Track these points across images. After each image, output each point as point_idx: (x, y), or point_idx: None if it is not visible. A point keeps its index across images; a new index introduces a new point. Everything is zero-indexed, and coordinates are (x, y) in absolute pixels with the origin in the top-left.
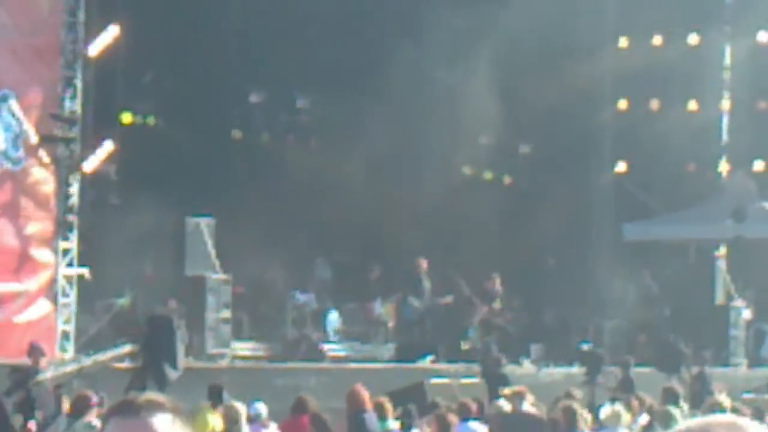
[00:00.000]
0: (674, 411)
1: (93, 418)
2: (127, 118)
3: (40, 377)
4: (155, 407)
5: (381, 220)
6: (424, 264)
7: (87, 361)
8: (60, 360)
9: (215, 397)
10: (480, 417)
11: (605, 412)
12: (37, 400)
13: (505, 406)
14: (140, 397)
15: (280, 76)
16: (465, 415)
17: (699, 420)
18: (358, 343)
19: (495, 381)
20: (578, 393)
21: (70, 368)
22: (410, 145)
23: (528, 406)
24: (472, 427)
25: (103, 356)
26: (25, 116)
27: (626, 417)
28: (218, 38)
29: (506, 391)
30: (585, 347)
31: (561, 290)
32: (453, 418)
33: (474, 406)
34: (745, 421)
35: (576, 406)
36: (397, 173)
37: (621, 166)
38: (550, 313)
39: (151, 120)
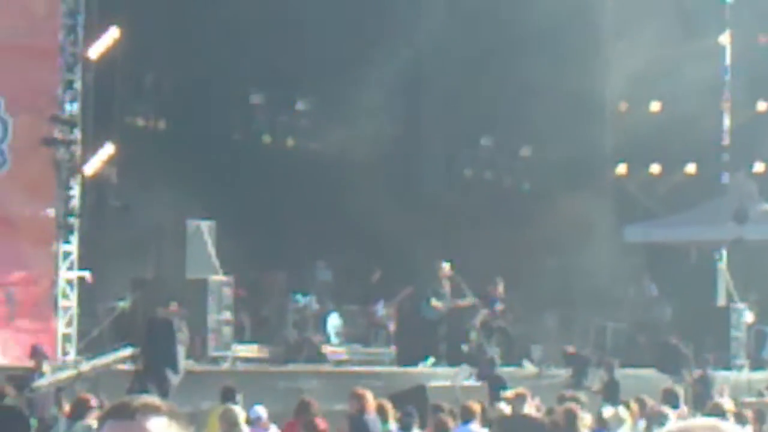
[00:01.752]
0: (668, 411)
1: (92, 421)
2: (127, 120)
3: (37, 384)
4: (151, 410)
5: (382, 222)
6: (446, 268)
7: (86, 366)
8: (60, 364)
9: (229, 399)
10: (482, 420)
11: (607, 413)
12: (36, 405)
13: (506, 408)
14: (136, 400)
15: (280, 78)
16: (467, 418)
17: (681, 423)
18: (359, 346)
19: (491, 383)
20: (582, 396)
21: (67, 374)
22: (411, 146)
23: (529, 408)
24: (473, 429)
25: (102, 360)
26: (25, 118)
27: (627, 419)
28: (218, 40)
29: (507, 393)
30: (570, 348)
31: (562, 292)
32: (451, 422)
33: (477, 409)
34: (725, 425)
35: (576, 408)
36: (398, 175)
37: (622, 168)
38: (551, 314)
39: (151, 122)
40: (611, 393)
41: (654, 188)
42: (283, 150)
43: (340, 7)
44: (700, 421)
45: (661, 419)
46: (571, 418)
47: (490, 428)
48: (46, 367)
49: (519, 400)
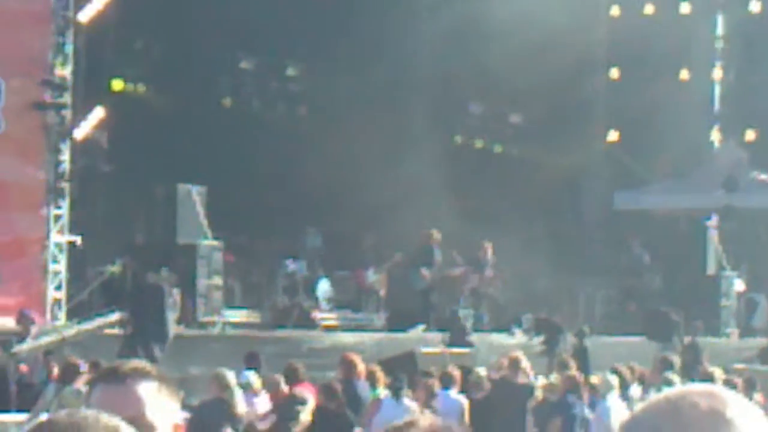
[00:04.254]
0: (672, 377)
1: (81, 385)
2: (117, 85)
3: (17, 348)
4: (141, 375)
5: (372, 189)
6: (436, 235)
7: (70, 331)
8: (45, 329)
9: (253, 364)
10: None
11: (597, 380)
12: (10, 371)
13: (483, 372)
14: (126, 364)
15: (270, 44)
16: (447, 384)
17: (678, 389)
18: (349, 312)
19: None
20: (572, 363)
21: (50, 339)
22: (401, 112)
23: (523, 373)
24: (453, 396)
25: (89, 325)
26: (15, 81)
27: (616, 386)
28: (209, 5)
29: (502, 358)
30: (542, 316)
31: (552, 259)
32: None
33: (457, 375)
34: (723, 391)
35: (577, 375)
36: (387, 141)
37: (613, 135)
38: (541, 282)
39: (141, 87)
40: (580, 360)
41: (645, 155)
42: (272, 115)
43: None
44: (699, 387)
45: (667, 383)
46: (573, 384)
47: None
48: (34, 331)
49: (514, 364)
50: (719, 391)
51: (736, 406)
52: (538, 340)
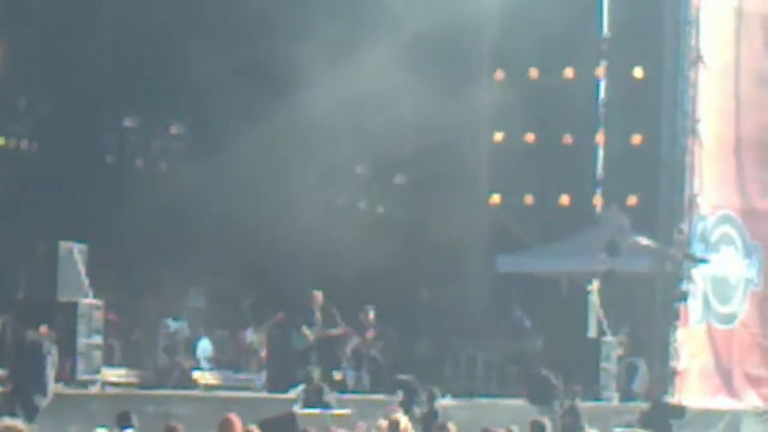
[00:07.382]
0: None
1: None
2: None
3: None
4: None
5: (254, 249)
6: (318, 297)
7: None
8: None
9: (125, 425)
10: None
11: None
12: None
13: None
14: (1, 424)
15: (154, 102)
16: None
17: None
18: (230, 372)
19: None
20: (452, 426)
21: None
22: (285, 173)
23: None
24: None
25: None
26: None
27: None
28: (93, 63)
29: (381, 421)
30: (403, 377)
31: (434, 321)
32: None
33: None
34: None
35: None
36: (271, 202)
37: (495, 198)
38: (423, 344)
39: (24, 143)
40: (430, 421)
41: (527, 219)
42: (155, 173)
43: (217, 32)
44: None
45: None
46: None
47: None
48: None
49: (393, 426)
50: None
51: None
52: (396, 400)
